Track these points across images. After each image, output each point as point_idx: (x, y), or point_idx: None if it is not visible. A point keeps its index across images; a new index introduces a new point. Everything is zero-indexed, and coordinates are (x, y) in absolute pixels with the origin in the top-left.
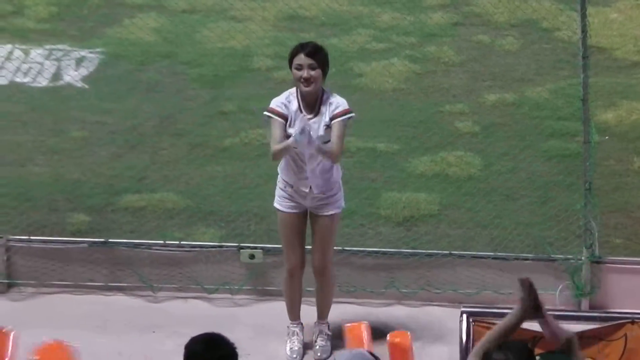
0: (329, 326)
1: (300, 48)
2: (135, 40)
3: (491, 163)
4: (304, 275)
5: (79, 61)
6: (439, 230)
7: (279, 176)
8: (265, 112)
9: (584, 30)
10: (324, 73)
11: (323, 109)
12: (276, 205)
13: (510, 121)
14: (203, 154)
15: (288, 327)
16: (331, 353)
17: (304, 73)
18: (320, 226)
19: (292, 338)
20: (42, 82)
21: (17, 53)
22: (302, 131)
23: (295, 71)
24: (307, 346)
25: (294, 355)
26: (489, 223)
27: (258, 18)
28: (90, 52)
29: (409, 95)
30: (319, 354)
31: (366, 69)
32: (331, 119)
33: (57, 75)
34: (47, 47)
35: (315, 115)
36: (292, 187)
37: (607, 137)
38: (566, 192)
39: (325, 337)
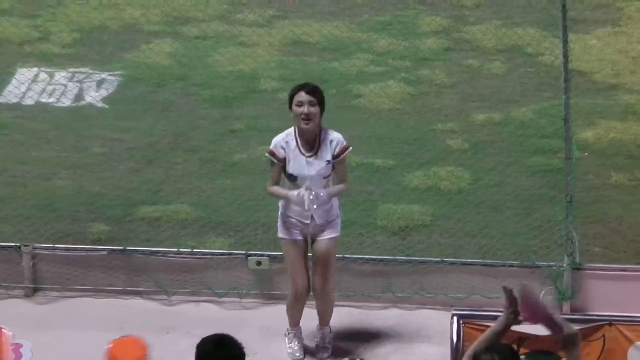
0: (330, 330)
1: (301, 87)
2: (151, 64)
3: (480, 177)
4: None
5: (100, 83)
6: (431, 239)
7: (280, 207)
8: (266, 154)
9: (565, 56)
10: (322, 111)
11: (323, 145)
12: (281, 235)
13: (497, 139)
14: (214, 168)
15: (288, 329)
16: (331, 354)
17: (305, 109)
18: (321, 250)
19: (293, 339)
20: (66, 102)
21: (43, 76)
22: (314, 197)
23: (296, 108)
24: (306, 348)
25: (297, 354)
26: (478, 233)
27: (265, 43)
28: (110, 75)
29: (404, 114)
30: (321, 354)
31: (364, 90)
32: (334, 157)
33: (79, 96)
34: (70, 70)
35: (315, 153)
36: (295, 218)
37: (586, 154)
38: (549, 204)
39: (327, 340)
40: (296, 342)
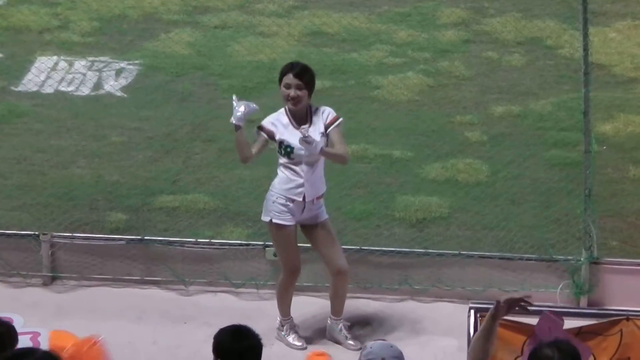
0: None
1: (290, 68)
2: (170, 53)
3: (498, 170)
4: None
5: (119, 72)
6: (449, 231)
7: (274, 194)
8: (257, 128)
9: (585, 49)
10: (310, 93)
11: (315, 118)
12: (276, 220)
13: (515, 131)
14: (232, 158)
15: (281, 321)
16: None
17: (291, 92)
18: (323, 232)
19: (290, 330)
20: (85, 91)
21: (62, 64)
22: (306, 140)
23: (283, 89)
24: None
25: (300, 343)
26: (495, 225)
27: (284, 34)
28: (129, 64)
29: (423, 106)
30: (351, 343)
31: (383, 81)
32: (326, 127)
33: (98, 85)
34: (90, 59)
35: (309, 126)
36: (292, 201)
37: (605, 147)
38: (567, 197)
39: (350, 331)
40: (294, 333)
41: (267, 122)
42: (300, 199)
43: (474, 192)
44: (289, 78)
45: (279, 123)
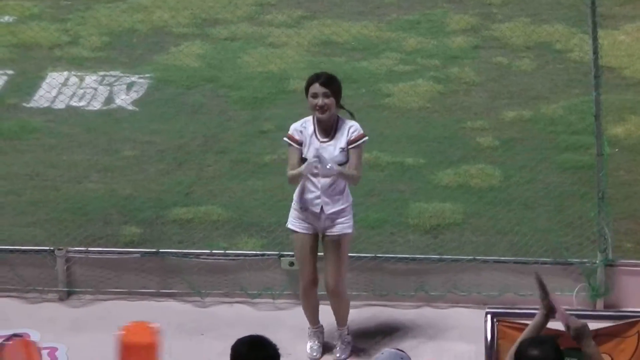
0: (348, 330)
1: (316, 78)
2: (181, 66)
3: (510, 175)
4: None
5: (130, 86)
6: (463, 237)
7: (294, 202)
8: (284, 138)
9: (595, 52)
10: (337, 101)
11: (339, 133)
12: (290, 226)
13: (527, 136)
14: (244, 169)
15: (309, 328)
16: (350, 354)
17: (319, 101)
18: (332, 247)
19: (313, 338)
20: (96, 105)
21: (73, 79)
22: (318, 159)
23: (311, 99)
24: (327, 348)
25: (314, 354)
26: (510, 230)
27: (294, 44)
28: (140, 78)
29: (434, 113)
30: (337, 354)
31: (394, 89)
32: (349, 143)
33: (109, 99)
34: (101, 73)
35: (331, 139)
36: (306, 209)
37: (617, 150)
38: (580, 201)
39: (345, 340)
40: (315, 341)
41: (294, 131)
42: (318, 211)
43: (487, 198)
44: (316, 87)
45: (305, 131)
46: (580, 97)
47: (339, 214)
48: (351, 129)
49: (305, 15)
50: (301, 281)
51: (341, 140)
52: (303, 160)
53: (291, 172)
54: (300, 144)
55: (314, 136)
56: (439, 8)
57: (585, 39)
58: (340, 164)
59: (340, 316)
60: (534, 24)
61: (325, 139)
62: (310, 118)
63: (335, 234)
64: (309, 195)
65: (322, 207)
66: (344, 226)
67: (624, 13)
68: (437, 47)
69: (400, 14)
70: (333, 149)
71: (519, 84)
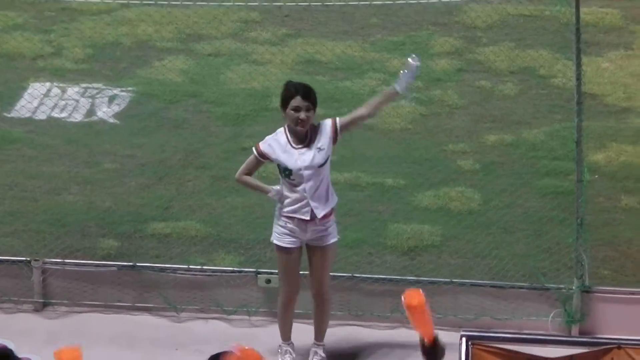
0: (324, 348)
1: (295, 91)
2: (164, 80)
3: (490, 199)
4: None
5: (112, 99)
6: (441, 259)
7: (276, 213)
8: (253, 147)
9: (578, 78)
10: (314, 112)
11: (318, 136)
12: (276, 242)
13: (508, 160)
14: (225, 186)
15: (280, 346)
16: None
17: (302, 115)
18: (321, 257)
19: (284, 355)
20: (77, 117)
21: (55, 91)
22: (277, 193)
23: (291, 112)
24: None
25: None
26: (488, 254)
27: (277, 62)
28: (122, 91)
29: (415, 134)
30: None
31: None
32: (336, 130)
33: (91, 112)
34: (83, 85)
35: (306, 146)
36: (292, 220)
37: (597, 177)
38: (559, 226)
39: (320, 358)
40: (288, 357)
41: (266, 144)
42: (308, 218)
43: (466, 221)
44: (298, 101)
45: (276, 144)
46: (562, 122)
47: (325, 219)
48: (324, 124)
49: (290, 34)
50: (284, 292)
51: (320, 141)
52: (281, 168)
53: (244, 180)
54: (264, 157)
55: (288, 145)
56: (424, 30)
57: (568, 65)
58: (319, 166)
59: (322, 327)
60: (518, 48)
61: (299, 145)
62: (281, 130)
63: (325, 244)
64: (295, 205)
65: (312, 211)
66: (332, 235)
67: (607, 40)
68: (421, 69)
69: (385, 35)
70: (310, 153)
71: (501, 108)
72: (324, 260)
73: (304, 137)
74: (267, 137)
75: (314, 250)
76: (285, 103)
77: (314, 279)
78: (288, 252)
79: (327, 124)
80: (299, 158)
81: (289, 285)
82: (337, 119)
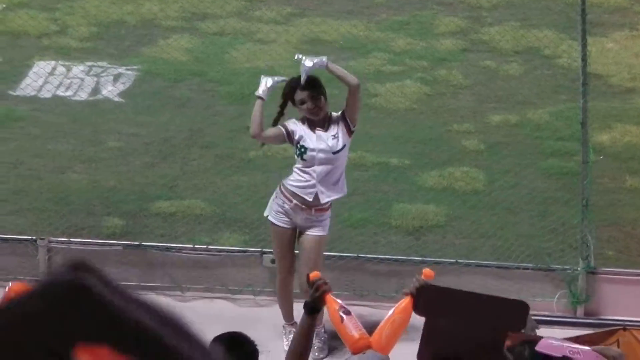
0: (324, 328)
1: (295, 85)
2: (169, 59)
3: (495, 179)
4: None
5: (117, 77)
6: (445, 239)
7: (277, 191)
8: (280, 126)
9: (584, 59)
10: (325, 97)
11: (333, 125)
12: (271, 218)
13: (513, 141)
14: (229, 165)
15: (284, 326)
16: (328, 353)
17: (309, 104)
18: (308, 246)
19: (289, 336)
20: (82, 96)
21: (60, 69)
22: (301, 57)
23: (300, 106)
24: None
25: None
26: (492, 234)
27: (282, 41)
28: (127, 69)
29: (420, 114)
30: (316, 354)
31: (381, 89)
32: (352, 123)
33: (96, 90)
34: (88, 64)
35: (326, 130)
36: (291, 201)
37: (602, 157)
38: (564, 207)
39: (322, 338)
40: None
41: (290, 122)
42: (310, 199)
43: (471, 201)
44: (299, 94)
45: (297, 127)
46: (567, 103)
47: (321, 212)
48: (337, 115)
49: (295, 13)
50: (279, 273)
51: (334, 130)
52: (298, 147)
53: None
54: (288, 132)
55: (307, 128)
56: (428, 10)
57: (573, 46)
58: (334, 152)
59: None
60: (523, 28)
61: (320, 129)
62: (297, 120)
63: (312, 233)
64: (302, 184)
65: (316, 195)
66: (322, 227)
67: (612, 21)
68: (426, 48)
69: (390, 15)
70: (327, 137)
71: (506, 89)
72: (310, 252)
73: (322, 122)
74: (290, 121)
75: (302, 238)
76: (293, 100)
77: (300, 275)
78: (281, 232)
79: (337, 114)
80: (318, 138)
81: (282, 264)
82: (346, 115)
